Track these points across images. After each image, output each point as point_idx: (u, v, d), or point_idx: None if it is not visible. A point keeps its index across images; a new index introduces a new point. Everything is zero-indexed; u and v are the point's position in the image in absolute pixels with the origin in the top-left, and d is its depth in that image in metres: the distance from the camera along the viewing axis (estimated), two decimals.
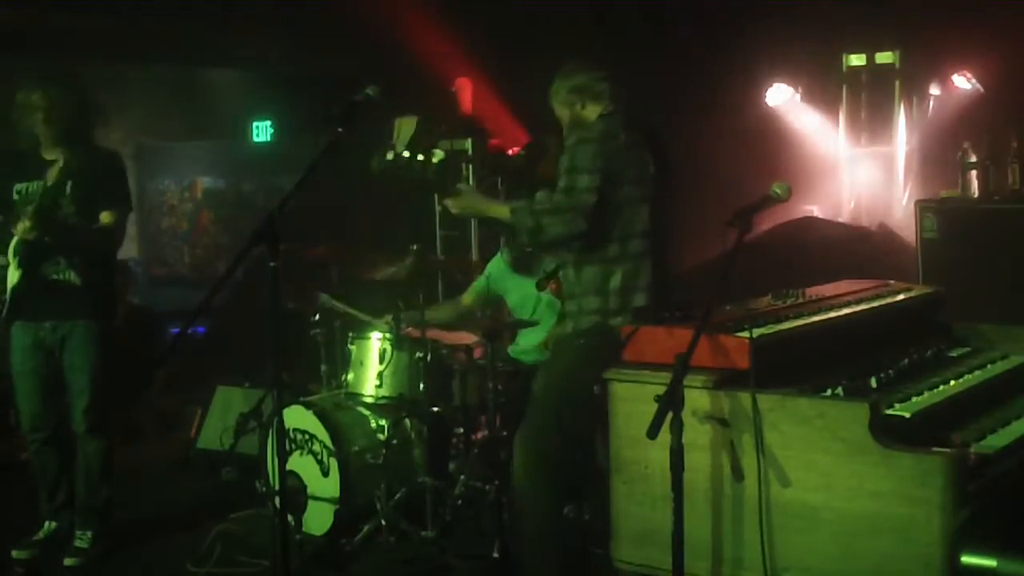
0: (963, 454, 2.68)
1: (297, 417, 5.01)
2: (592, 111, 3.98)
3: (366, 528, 4.78)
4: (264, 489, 5.04)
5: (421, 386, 4.98)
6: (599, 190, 3.68)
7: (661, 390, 2.76)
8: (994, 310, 4.49)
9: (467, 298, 5.61)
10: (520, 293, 5.40)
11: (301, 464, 5.00)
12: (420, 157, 3.79)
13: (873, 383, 3.07)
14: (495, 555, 4.51)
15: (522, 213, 3.79)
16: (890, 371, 3.18)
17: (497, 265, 5.56)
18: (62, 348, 4.66)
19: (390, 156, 3.79)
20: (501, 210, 3.91)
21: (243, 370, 6.52)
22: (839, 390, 2.95)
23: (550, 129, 7.98)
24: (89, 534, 4.76)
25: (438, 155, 3.86)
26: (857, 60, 7.81)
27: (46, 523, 4.85)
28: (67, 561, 4.68)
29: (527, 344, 5.38)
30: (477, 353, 5.28)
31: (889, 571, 2.67)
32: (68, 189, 4.54)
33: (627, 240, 3.79)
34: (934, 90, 7.65)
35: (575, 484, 4.91)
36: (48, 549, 4.78)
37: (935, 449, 2.66)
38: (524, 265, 5.44)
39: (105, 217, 4.67)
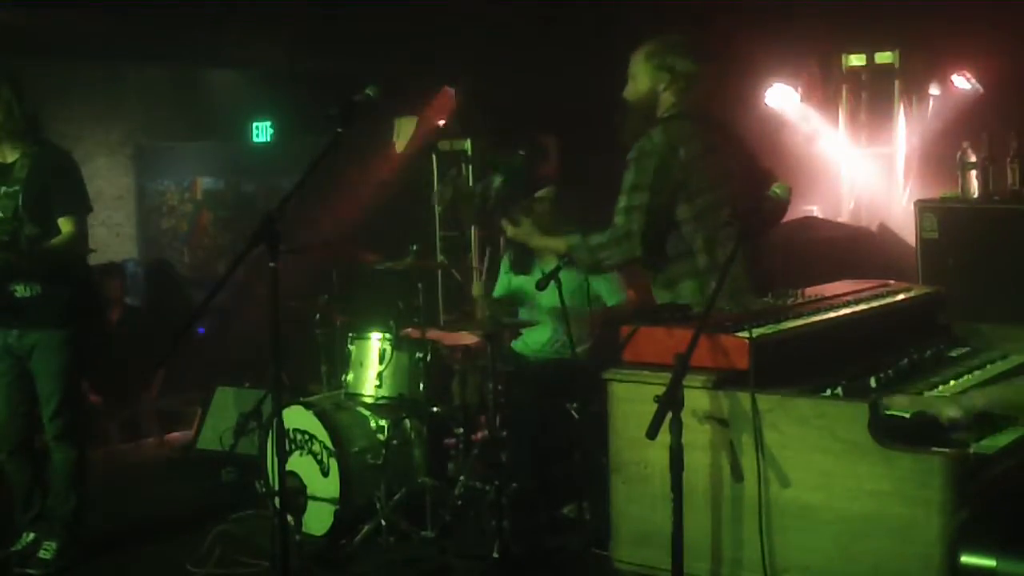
0: (963, 454, 2.68)
1: (297, 417, 5.02)
2: (667, 100, 3.87)
3: (366, 528, 4.79)
4: (264, 489, 5.04)
5: (421, 386, 4.98)
6: (659, 210, 3.68)
7: (660, 390, 2.75)
8: (994, 310, 4.48)
9: (495, 293, 5.63)
10: (524, 291, 5.42)
11: (301, 464, 5.00)
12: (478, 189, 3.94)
13: (873, 383, 3.07)
14: (495, 555, 4.51)
15: (579, 250, 3.85)
16: (890, 371, 3.18)
17: (505, 264, 5.60)
18: (31, 356, 4.58)
19: (448, 192, 3.95)
20: (557, 245, 4.02)
21: (243, 370, 6.52)
22: (839, 390, 2.94)
23: (550, 129, 7.98)
24: (54, 545, 4.64)
25: (497, 179, 3.99)
26: (857, 60, 7.79)
27: (24, 534, 4.76)
28: (28, 571, 4.59)
29: (532, 340, 5.39)
30: (478, 350, 5.29)
31: (888, 571, 2.67)
32: (20, 200, 4.44)
33: (713, 248, 3.73)
34: (934, 90, 7.64)
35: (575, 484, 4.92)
36: (21, 559, 4.68)
37: (935, 449, 2.66)
38: (522, 265, 5.46)
39: (64, 225, 4.52)
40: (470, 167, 7.64)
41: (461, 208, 4.10)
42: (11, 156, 4.55)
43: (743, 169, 3.89)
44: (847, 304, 3.57)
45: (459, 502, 4.83)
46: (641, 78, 3.91)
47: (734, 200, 3.78)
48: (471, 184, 4.06)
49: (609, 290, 5.28)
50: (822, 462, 2.76)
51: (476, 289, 5.54)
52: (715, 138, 3.85)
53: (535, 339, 5.37)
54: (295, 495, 4.92)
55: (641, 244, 3.68)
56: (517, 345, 5.47)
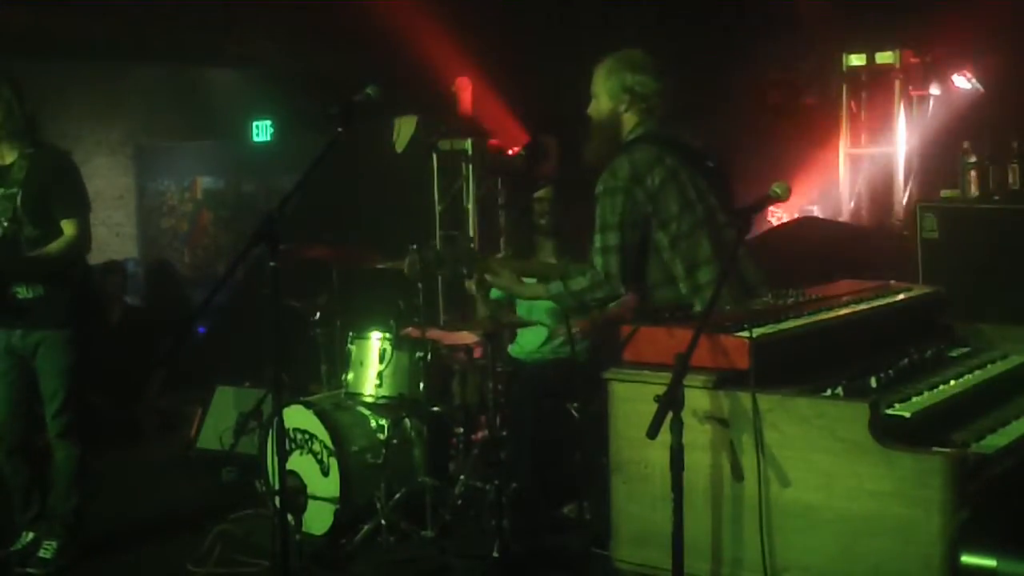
0: (963, 454, 2.68)
1: (297, 417, 5.01)
2: (630, 120, 3.83)
3: (366, 528, 4.78)
4: (264, 489, 5.04)
5: (421, 386, 4.98)
6: (634, 244, 3.67)
7: (661, 390, 2.75)
8: (994, 310, 4.48)
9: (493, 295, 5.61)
10: None
11: (301, 464, 5.00)
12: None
13: (873, 383, 3.07)
14: (495, 555, 4.51)
15: (562, 298, 3.82)
16: (890, 371, 3.18)
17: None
18: (35, 356, 4.60)
19: (418, 263, 3.99)
20: (538, 291, 3.99)
21: (243, 370, 6.52)
22: (839, 390, 2.94)
23: (550, 129, 7.99)
24: (54, 544, 4.64)
25: (464, 237, 4.07)
26: (857, 60, 7.79)
27: (23, 534, 4.76)
28: (28, 570, 4.59)
29: (527, 343, 5.39)
30: (477, 353, 5.28)
31: (889, 571, 2.67)
32: (19, 202, 4.46)
33: (694, 272, 3.69)
34: (934, 90, 7.65)
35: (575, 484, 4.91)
36: (21, 558, 4.67)
37: (935, 449, 2.66)
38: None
39: (67, 227, 4.54)
40: (470, 167, 7.64)
41: (435, 273, 4.13)
42: (9, 157, 4.56)
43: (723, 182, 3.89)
44: (847, 304, 3.57)
45: (459, 502, 4.82)
46: (603, 97, 3.87)
47: (716, 214, 3.76)
48: (438, 248, 4.11)
49: None
50: (822, 462, 2.76)
51: (406, 267, 5.50)
52: (681, 159, 3.78)
53: (531, 341, 5.37)
54: (295, 495, 4.92)
55: (622, 282, 3.69)
56: (514, 350, 5.46)
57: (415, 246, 4.59)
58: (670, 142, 3.80)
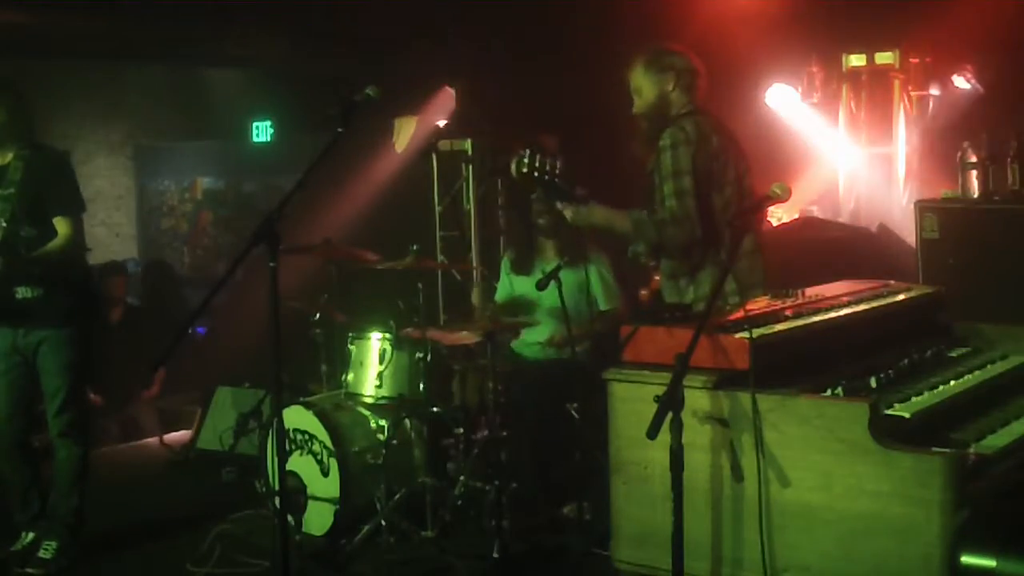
0: (963, 454, 2.68)
1: (297, 417, 5.01)
2: (679, 98, 3.94)
3: (366, 528, 4.78)
4: (264, 489, 5.04)
5: (421, 386, 4.98)
6: (700, 195, 3.74)
7: (661, 390, 2.76)
8: (994, 310, 4.48)
9: (497, 298, 5.62)
10: (523, 291, 5.42)
11: (301, 464, 5.00)
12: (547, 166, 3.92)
13: (873, 383, 3.07)
14: (495, 555, 4.51)
15: (645, 225, 3.83)
16: (890, 371, 3.18)
17: (505, 265, 5.60)
18: (36, 354, 4.61)
19: (525, 167, 3.92)
20: (621, 221, 3.92)
21: (243, 370, 6.52)
22: (839, 390, 2.95)
23: (550, 129, 7.99)
24: (54, 544, 4.64)
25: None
26: (857, 60, 7.79)
27: (23, 534, 4.76)
28: (28, 570, 4.58)
29: (530, 339, 5.39)
30: (477, 351, 5.29)
31: (889, 571, 2.67)
32: (16, 202, 4.47)
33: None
34: (934, 90, 7.64)
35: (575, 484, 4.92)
36: (21, 559, 4.67)
37: (935, 449, 2.66)
38: (522, 266, 5.46)
39: (60, 225, 4.55)
40: (470, 167, 7.64)
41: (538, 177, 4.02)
42: (5, 158, 4.58)
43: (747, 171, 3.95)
44: (847, 304, 3.57)
45: (459, 502, 4.82)
46: (646, 88, 3.97)
47: (744, 198, 3.83)
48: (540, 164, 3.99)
49: (606, 295, 5.27)
50: (822, 462, 2.76)
51: (475, 297, 5.55)
52: (728, 136, 3.94)
53: (534, 339, 5.37)
54: (295, 495, 4.92)
55: (700, 226, 3.73)
56: (516, 345, 5.47)
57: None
58: (715, 118, 3.94)
